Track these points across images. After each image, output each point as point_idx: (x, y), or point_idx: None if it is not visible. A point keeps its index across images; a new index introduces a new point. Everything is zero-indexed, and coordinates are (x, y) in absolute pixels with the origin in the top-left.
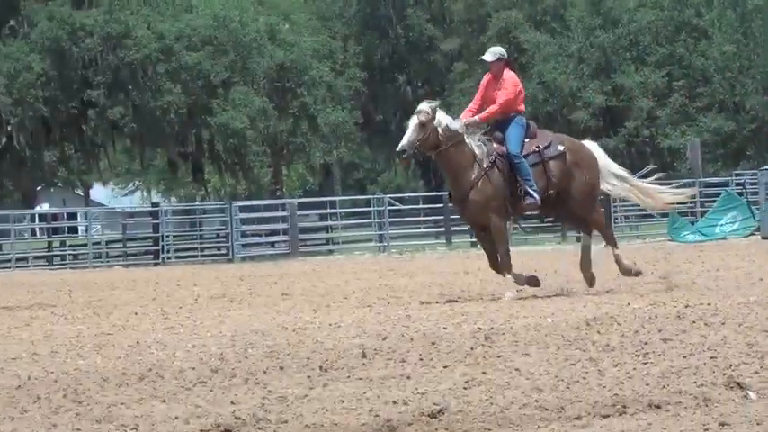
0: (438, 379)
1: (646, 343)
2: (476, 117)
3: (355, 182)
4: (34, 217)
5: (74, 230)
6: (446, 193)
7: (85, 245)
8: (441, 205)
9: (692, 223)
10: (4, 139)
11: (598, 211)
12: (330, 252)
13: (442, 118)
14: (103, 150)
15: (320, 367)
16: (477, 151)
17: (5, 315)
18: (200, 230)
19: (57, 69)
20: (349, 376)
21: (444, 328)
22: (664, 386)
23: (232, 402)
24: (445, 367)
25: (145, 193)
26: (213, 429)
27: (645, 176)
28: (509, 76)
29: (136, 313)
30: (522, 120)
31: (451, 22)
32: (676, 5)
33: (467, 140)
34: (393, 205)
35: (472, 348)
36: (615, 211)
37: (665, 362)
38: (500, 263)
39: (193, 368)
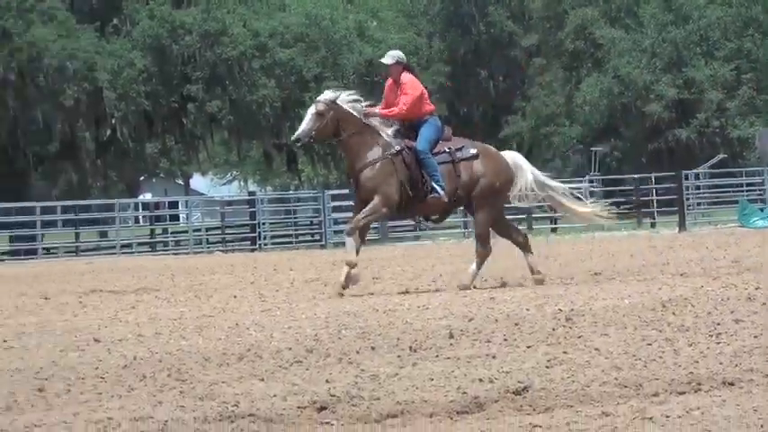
0: (522, 358)
1: (718, 324)
2: (376, 109)
3: None
4: (138, 205)
5: (175, 218)
6: None
7: (186, 232)
8: None
9: (762, 210)
10: (108, 132)
11: (487, 222)
12: (417, 238)
13: (346, 106)
14: (202, 142)
15: (410, 347)
16: (384, 139)
17: (112, 299)
18: (295, 218)
19: (158, 65)
20: (437, 356)
21: (527, 309)
22: (736, 365)
23: (327, 381)
24: (528, 347)
25: (242, 183)
26: (310, 406)
27: (715, 165)
28: (407, 79)
29: (235, 296)
30: (437, 121)
31: (530, 18)
32: (744, 2)
33: (377, 128)
34: None
35: (554, 329)
36: (688, 198)
37: (737, 341)
38: (353, 224)
39: (290, 348)
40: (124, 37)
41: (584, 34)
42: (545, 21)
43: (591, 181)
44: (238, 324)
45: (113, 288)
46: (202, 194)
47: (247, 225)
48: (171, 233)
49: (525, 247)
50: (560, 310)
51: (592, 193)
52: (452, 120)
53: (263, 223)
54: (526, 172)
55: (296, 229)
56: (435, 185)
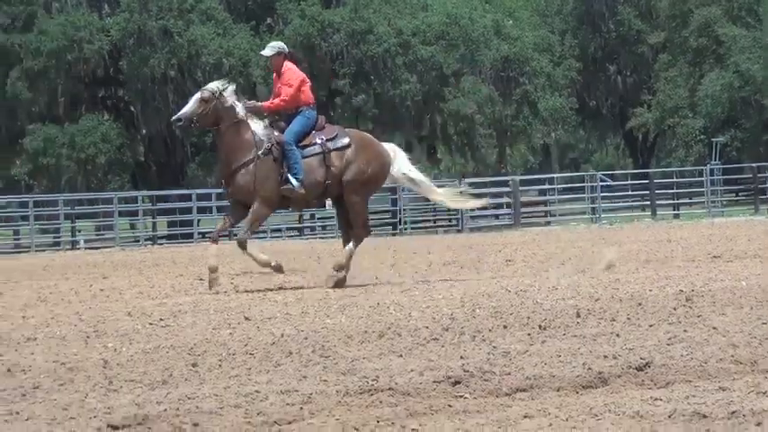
0: (644, 336)
1: None
2: (258, 103)
3: (571, 160)
4: None
5: (322, 204)
6: (652, 170)
7: (332, 217)
8: (647, 181)
9: None
10: None
11: (363, 206)
12: (548, 223)
13: (229, 98)
14: None
15: (539, 326)
16: (257, 137)
17: (261, 280)
18: (434, 204)
19: (308, 62)
20: (565, 334)
21: (649, 290)
22: None
23: (461, 357)
24: (650, 326)
25: None
26: (445, 381)
27: None
28: (288, 68)
29: (376, 278)
30: (311, 113)
31: (657, 17)
32: None
33: (250, 124)
34: (604, 181)
35: (674, 309)
36: None
37: None
38: (239, 237)
39: (427, 327)
40: (277, 35)
41: (707, 32)
42: (671, 19)
43: (712, 169)
44: (379, 303)
45: (263, 270)
46: None
47: (389, 211)
48: (318, 218)
49: (355, 240)
50: (681, 290)
51: (712, 182)
52: (582, 112)
53: (404, 209)
54: (399, 163)
55: (434, 215)
56: (291, 178)
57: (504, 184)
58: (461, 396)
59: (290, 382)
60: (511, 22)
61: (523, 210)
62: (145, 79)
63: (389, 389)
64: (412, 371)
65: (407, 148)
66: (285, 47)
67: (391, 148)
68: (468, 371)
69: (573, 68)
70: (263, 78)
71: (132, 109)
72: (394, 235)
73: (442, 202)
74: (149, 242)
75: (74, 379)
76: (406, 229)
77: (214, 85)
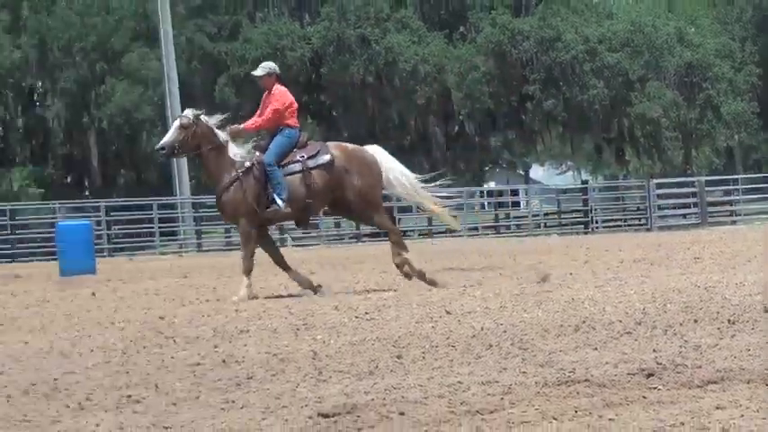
0: None
1: None
2: (241, 126)
3: (754, 162)
4: (483, 193)
5: (516, 205)
6: None
7: (526, 217)
8: None
9: None
10: (456, 128)
11: (381, 213)
12: (734, 222)
13: (208, 123)
14: (540, 136)
15: (728, 320)
16: (237, 157)
17: (461, 276)
18: (623, 204)
19: (499, 68)
20: (753, 328)
21: None
22: None
23: (654, 350)
24: None
25: (575, 173)
26: (638, 373)
27: None
28: (278, 90)
29: (570, 274)
30: (291, 132)
31: None
32: None
33: (229, 146)
34: None
35: None
36: None
37: None
38: (242, 264)
39: (620, 321)
40: (469, 43)
41: None
42: None
43: None
44: (574, 299)
45: (462, 266)
46: (540, 183)
47: (581, 210)
48: (513, 218)
49: (397, 246)
50: None
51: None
52: (764, 116)
53: (595, 209)
54: (389, 168)
55: (624, 214)
56: (276, 197)
57: (691, 184)
58: (655, 388)
59: (490, 374)
60: (693, 29)
61: (710, 209)
62: (344, 85)
63: (586, 380)
64: (607, 363)
65: (597, 150)
66: (276, 68)
67: (373, 150)
68: (660, 363)
69: (753, 74)
70: (456, 84)
71: (333, 113)
72: (586, 233)
73: (429, 210)
74: (354, 240)
75: (285, 369)
76: (597, 227)
77: (190, 112)
